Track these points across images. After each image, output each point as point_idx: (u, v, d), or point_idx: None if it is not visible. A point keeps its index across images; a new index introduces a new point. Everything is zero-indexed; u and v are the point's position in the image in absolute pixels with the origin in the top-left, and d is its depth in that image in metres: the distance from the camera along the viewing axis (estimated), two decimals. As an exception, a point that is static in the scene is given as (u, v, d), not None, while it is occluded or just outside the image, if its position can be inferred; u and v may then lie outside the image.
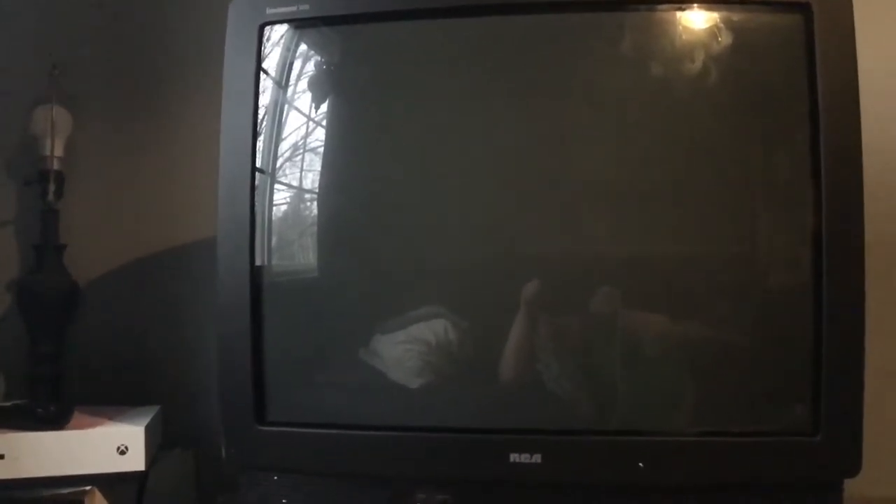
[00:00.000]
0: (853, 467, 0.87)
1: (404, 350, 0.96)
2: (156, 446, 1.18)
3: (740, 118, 0.93)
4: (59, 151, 1.26)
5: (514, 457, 0.90)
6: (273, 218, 0.98)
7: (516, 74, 0.97)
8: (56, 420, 1.12)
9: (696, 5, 0.91)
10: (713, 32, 0.91)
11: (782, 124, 0.92)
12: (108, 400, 1.24)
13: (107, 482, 1.09)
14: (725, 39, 0.90)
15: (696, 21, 0.91)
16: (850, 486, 0.89)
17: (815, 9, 0.88)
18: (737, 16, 0.90)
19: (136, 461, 1.10)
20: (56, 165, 1.25)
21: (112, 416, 1.16)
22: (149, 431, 1.13)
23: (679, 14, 0.91)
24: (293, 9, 0.95)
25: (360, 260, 0.99)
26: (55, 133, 1.25)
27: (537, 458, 0.90)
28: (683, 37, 0.92)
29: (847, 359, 0.87)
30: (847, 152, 0.87)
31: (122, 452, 1.10)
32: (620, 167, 0.95)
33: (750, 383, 0.92)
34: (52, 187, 1.24)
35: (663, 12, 0.92)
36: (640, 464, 0.89)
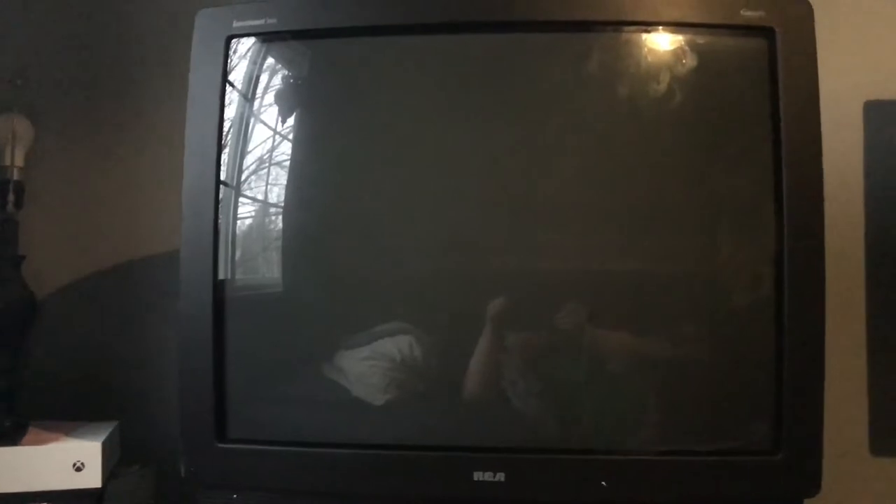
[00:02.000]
0: (813, 486, 0.88)
1: (368, 366, 0.95)
2: (113, 462, 1.16)
3: (704, 138, 0.94)
4: (19, 161, 1.23)
5: (477, 475, 0.90)
6: (237, 231, 0.97)
7: (484, 92, 0.97)
8: (10, 435, 1.09)
9: (661, 28, 0.92)
10: (678, 55, 0.92)
11: (745, 145, 0.93)
12: (65, 415, 1.22)
13: (62, 500, 1.06)
14: (690, 62, 0.91)
15: (662, 43, 0.93)
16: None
17: (778, 32, 0.90)
18: (701, 38, 0.92)
19: (92, 478, 1.08)
20: (16, 175, 1.23)
21: (68, 432, 1.14)
22: (106, 447, 1.10)
23: (645, 36, 0.93)
24: (260, 22, 0.95)
25: (325, 275, 0.99)
26: (16, 142, 1.23)
27: (501, 476, 0.90)
28: (649, 58, 0.93)
29: (807, 378, 0.88)
30: (808, 172, 0.89)
31: (79, 469, 1.07)
32: (586, 185, 0.95)
33: (712, 402, 0.92)
34: (11, 197, 1.22)
35: (629, 34, 0.93)
36: (603, 482, 0.89)
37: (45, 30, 1.35)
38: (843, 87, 1.20)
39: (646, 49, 0.93)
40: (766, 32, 0.90)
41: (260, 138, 0.98)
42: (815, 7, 0.90)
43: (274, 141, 0.98)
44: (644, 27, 0.92)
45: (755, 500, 0.90)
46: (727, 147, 0.94)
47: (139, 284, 1.33)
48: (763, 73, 0.90)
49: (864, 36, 1.24)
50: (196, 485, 0.95)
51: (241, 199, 0.97)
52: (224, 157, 0.95)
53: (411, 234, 0.97)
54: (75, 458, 1.07)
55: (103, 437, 1.12)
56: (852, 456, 1.21)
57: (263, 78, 0.97)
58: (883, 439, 1.22)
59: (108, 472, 1.11)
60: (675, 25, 0.92)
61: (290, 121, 0.98)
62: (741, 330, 0.92)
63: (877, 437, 1.22)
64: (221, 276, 0.94)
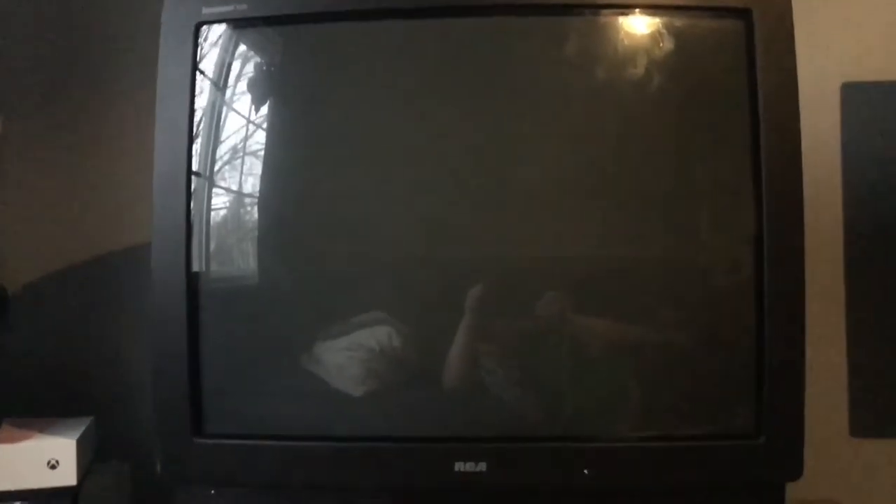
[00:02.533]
0: (795, 469, 0.88)
1: (347, 357, 0.95)
2: (89, 459, 1.14)
3: (683, 122, 0.94)
4: (-14, 154, 1.21)
5: (459, 465, 0.89)
6: (211, 222, 0.95)
7: (460, 77, 0.96)
8: (-18, 434, 1.08)
9: (638, 10, 0.91)
10: (655, 37, 0.91)
11: (723, 127, 0.93)
12: (40, 411, 1.20)
13: (37, 498, 1.05)
14: (668, 44, 0.91)
15: (639, 26, 0.92)
16: (792, 489, 0.90)
17: (756, 14, 0.89)
18: (679, 21, 0.91)
19: (67, 476, 1.06)
20: (-16, 168, 1.21)
21: (42, 429, 1.12)
22: (81, 444, 1.08)
23: (622, 19, 0.92)
24: (230, 8, 0.93)
25: (302, 265, 0.97)
26: (-17, 134, 1.21)
27: (482, 465, 0.89)
28: (626, 42, 0.92)
29: (788, 362, 0.88)
30: (786, 154, 0.89)
31: (53, 467, 1.05)
32: (563, 172, 0.94)
33: (693, 387, 0.92)
34: (-21, 190, 1.20)
35: (606, 17, 0.92)
36: (585, 470, 0.88)
37: (12, 20, 1.32)
38: (821, 68, 1.20)
39: (622, 32, 0.92)
40: (743, 14, 0.90)
41: (233, 127, 0.96)
42: (792, -12, 0.90)
43: (247, 130, 0.96)
44: (621, 10, 0.91)
45: (738, 484, 0.91)
46: (705, 130, 0.93)
47: (114, 277, 1.31)
48: (741, 54, 0.90)
49: (842, 17, 1.24)
50: (173, 481, 0.94)
51: (215, 190, 0.95)
52: (196, 147, 0.93)
53: (388, 223, 0.96)
54: (49, 455, 1.06)
55: (78, 433, 1.10)
56: (833, 438, 1.22)
57: (235, 65, 0.96)
58: (862, 421, 1.23)
59: (84, 470, 1.10)
60: (652, 7, 0.91)
61: (263, 109, 0.97)
62: (722, 314, 0.92)
63: (856, 419, 1.23)
64: (195, 267, 0.93)
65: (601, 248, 0.93)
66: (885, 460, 1.22)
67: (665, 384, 0.93)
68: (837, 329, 1.23)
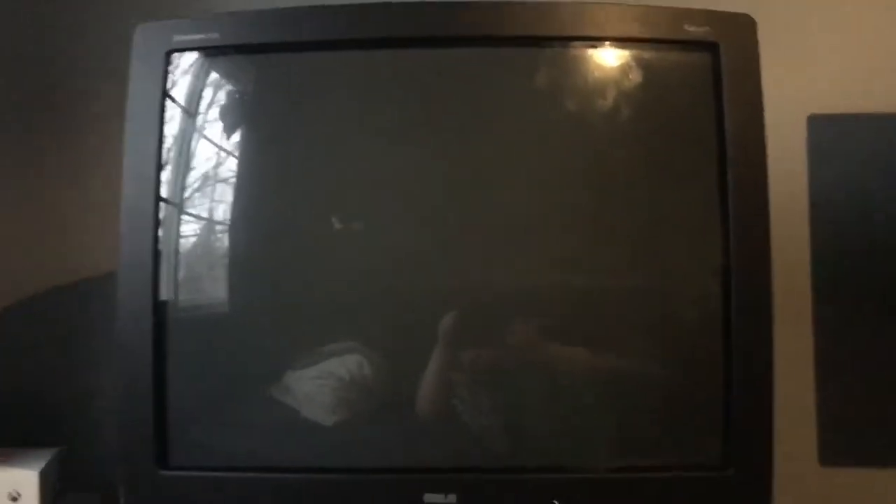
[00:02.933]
0: (764, 501, 0.88)
1: (317, 386, 0.94)
2: (53, 492, 1.12)
3: (650, 153, 0.94)
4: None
5: (428, 497, 0.88)
6: (179, 250, 0.94)
7: (430, 107, 0.96)
8: (-57, 465, 1.05)
9: (607, 43, 0.92)
10: (624, 70, 0.92)
11: (691, 158, 0.94)
12: (3, 441, 1.17)
13: (-3, 531, 1.03)
14: (636, 76, 0.92)
15: (608, 59, 0.93)
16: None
17: (722, 48, 0.91)
18: (647, 54, 0.92)
19: (29, 508, 1.04)
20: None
21: (5, 459, 1.09)
22: (44, 476, 1.07)
23: (591, 52, 0.93)
24: (202, 36, 0.93)
25: (272, 294, 0.97)
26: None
27: (452, 497, 0.88)
28: (595, 74, 0.93)
29: (757, 392, 0.89)
30: (753, 185, 0.90)
31: (14, 499, 1.04)
32: (533, 201, 0.95)
33: (662, 418, 0.92)
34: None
35: (575, 50, 0.93)
36: (555, 501, 0.88)
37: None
38: (787, 100, 1.21)
39: (591, 64, 0.93)
40: (710, 47, 0.91)
41: (202, 156, 0.95)
42: (758, 22, 0.91)
43: (217, 158, 0.96)
44: (590, 42, 0.92)
45: (707, 516, 0.90)
46: (673, 161, 0.94)
47: (81, 306, 1.29)
48: (708, 87, 0.91)
49: (807, 50, 1.26)
50: (138, 514, 0.92)
51: (183, 218, 0.95)
52: (164, 174, 0.93)
53: (360, 252, 0.96)
54: (11, 486, 1.04)
55: (42, 464, 1.08)
56: (802, 467, 1.22)
57: (205, 94, 0.95)
58: (831, 450, 1.23)
59: (48, 502, 1.07)
60: (621, 41, 0.92)
61: (234, 138, 0.96)
62: (689, 344, 0.92)
63: (825, 448, 1.23)
64: (162, 297, 0.92)
65: (571, 278, 0.93)
66: (856, 489, 1.22)
67: (634, 415, 0.92)
68: (806, 359, 1.24)
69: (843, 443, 1.23)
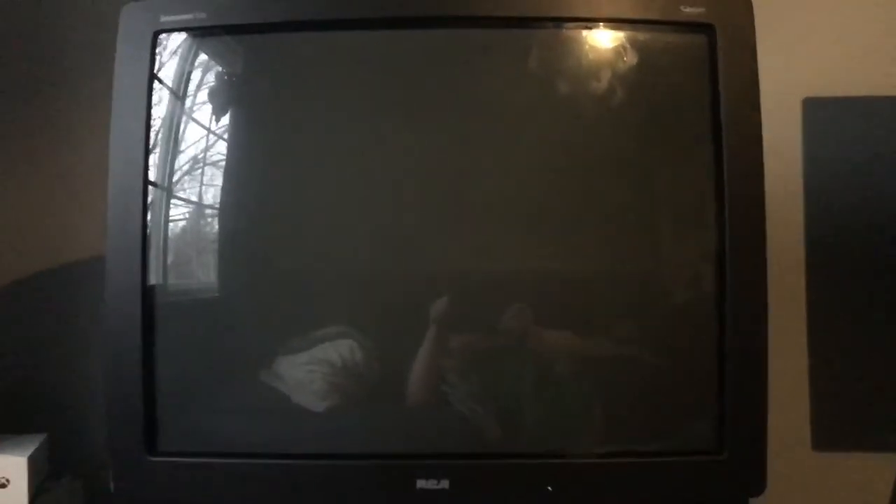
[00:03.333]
0: (758, 484, 0.88)
1: (308, 372, 0.93)
2: (41, 477, 1.11)
3: (646, 136, 0.93)
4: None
5: (421, 482, 0.88)
6: (168, 234, 0.93)
7: (421, 89, 0.95)
8: (-71, 452, 1.04)
9: (602, 25, 0.91)
10: (619, 51, 0.91)
11: (686, 141, 0.93)
12: (-10, 428, 1.17)
13: (-15, 518, 1.02)
14: (631, 58, 0.91)
15: (603, 40, 0.92)
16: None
17: (718, 30, 0.90)
18: (642, 35, 0.91)
19: (18, 495, 1.03)
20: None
21: (-8, 446, 1.09)
22: (32, 462, 1.06)
23: (585, 33, 0.92)
24: (189, 17, 0.92)
25: (262, 278, 0.96)
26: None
27: (445, 483, 0.88)
28: (590, 55, 0.92)
29: (750, 376, 0.88)
30: (749, 169, 0.89)
31: (3, 486, 1.03)
32: (528, 185, 0.94)
33: (656, 402, 0.92)
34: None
35: (569, 31, 0.92)
36: (549, 487, 0.88)
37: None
38: (783, 83, 1.21)
39: (586, 46, 0.92)
40: (706, 29, 0.90)
41: (191, 138, 0.94)
42: (754, 4, 0.90)
43: (206, 141, 0.95)
44: (584, 24, 0.91)
45: (701, 500, 0.90)
46: (668, 144, 0.93)
47: (68, 291, 1.28)
48: (703, 69, 0.90)
49: (803, 33, 1.25)
50: (127, 499, 0.92)
51: (172, 201, 0.93)
52: (153, 157, 0.91)
53: (351, 235, 0.95)
54: (0, 473, 1.03)
55: (30, 450, 1.07)
56: (795, 452, 1.22)
57: (194, 75, 0.94)
58: (825, 434, 1.23)
59: (36, 488, 1.07)
60: (616, 22, 0.91)
61: (222, 119, 0.95)
62: (684, 329, 0.92)
63: (819, 433, 1.23)
64: (151, 281, 0.91)
65: (565, 261, 0.92)
66: (849, 474, 1.22)
67: (628, 399, 0.92)
68: (799, 343, 1.24)
69: (837, 427, 1.23)
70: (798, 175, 1.24)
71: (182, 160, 0.94)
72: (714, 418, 0.88)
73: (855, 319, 1.23)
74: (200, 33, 0.93)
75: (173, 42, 0.93)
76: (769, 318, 0.89)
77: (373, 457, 0.91)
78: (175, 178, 0.94)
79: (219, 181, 0.94)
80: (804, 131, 1.25)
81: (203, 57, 0.95)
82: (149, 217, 0.91)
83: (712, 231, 0.89)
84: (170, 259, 0.94)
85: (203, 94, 0.94)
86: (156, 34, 0.92)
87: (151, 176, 0.91)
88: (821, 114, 1.24)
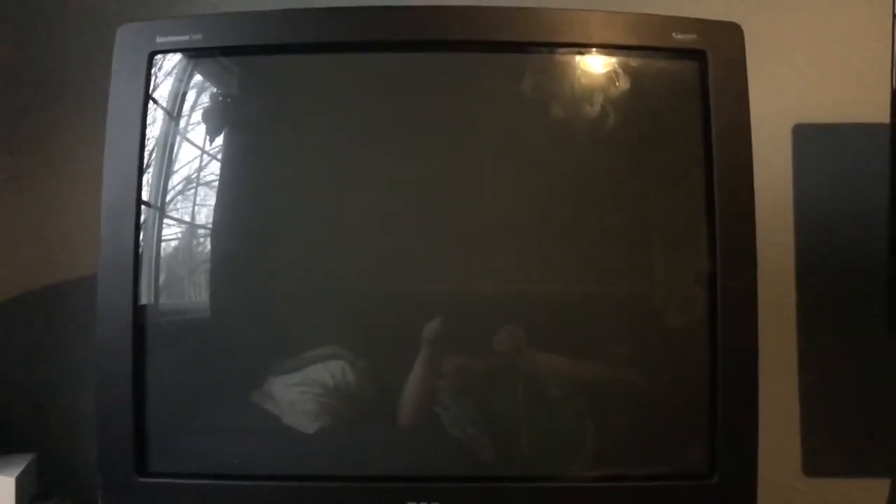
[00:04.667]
0: (749, 509, 0.88)
1: (299, 392, 0.93)
2: (29, 497, 1.10)
3: (637, 160, 0.94)
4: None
5: (411, 505, 0.88)
6: (160, 254, 0.93)
7: (416, 112, 0.96)
8: (-85, 471, 1.04)
9: (595, 50, 0.92)
10: (611, 77, 0.92)
11: (678, 166, 0.94)
12: (-22, 448, 1.16)
13: (-29, 538, 1.01)
14: (623, 84, 0.92)
15: (595, 65, 0.93)
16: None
17: (710, 56, 0.91)
18: (634, 61, 0.92)
19: (5, 515, 1.03)
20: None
21: (-20, 466, 1.08)
22: (20, 482, 1.05)
23: (578, 58, 0.92)
24: (185, 38, 0.92)
25: (254, 298, 0.96)
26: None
27: (435, 505, 0.88)
28: (582, 80, 0.93)
29: (741, 401, 0.88)
30: (739, 194, 0.90)
31: (-10, 506, 1.02)
32: (520, 207, 0.94)
33: (647, 426, 0.92)
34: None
35: (563, 56, 0.93)
36: (540, 510, 0.87)
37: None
38: (773, 110, 1.22)
39: (579, 71, 0.93)
40: (697, 55, 0.91)
41: (184, 158, 0.94)
42: (745, 31, 0.91)
43: (200, 161, 0.95)
44: (577, 49, 0.92)
45: (691, 525, 0.90)
46: (660, 168, 0.94)
47: (58, 310, 1.28)
48: (695, 95, 0.91)
49: (794, 60, 1.26)
50: (116, 521, 0.91)
51: (165, 221, 0.93)
52: (146, 176, 0.92)
53: (343, 256, 0.95)
54: (-13, 493, 1.02)
55: (17, 470, 1.07)
56: (785, 477, 1.22)
57: (189, 95, 0.94)
58: (815, 459, 1.23)
59: (24, 508, 1.06)
60: (609, 48, 0.92)
61: (217, 140, 0.95)
62: (675, 352, 0.92)
63: (809, 458, 1.23)
64: (143, 300, 0.90)
65: (557, 283, 0.93)
66: (839, 499, 1.22)
67: (619, 423, 0.92)
68: (789, 368, 1.24)
69: (827, 453, 1.23)
70: (788, 200, 1.25)
71: (175, 180, 0.94)
72: (705, 442, 0.88)
73: (845, 343, 1.24)
74: (196, 54, 0.93)
75: (169, 63, 0.93)
76: (760, 342, 0.89)
77: (364, 479, 0.90)
78: (168, 197, 0.94)
79: (212, 201, 0.95)
80: (794, 157, 1.26)
81: (198, 78, 0.95)
82: (141, 236, 0.91)
83: (703, 254, 0.90)
84: (162, 278, 0.93)
85: (198, 115, 0.94)
86: (151, 55, 0.92)
87: (145, 195, 0.91)
88: (811, 140, 1.25)
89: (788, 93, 1.25)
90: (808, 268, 1.25)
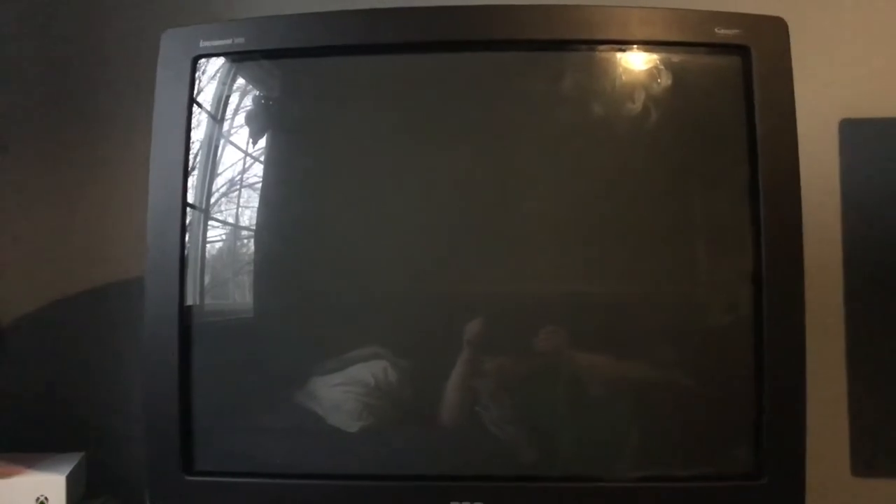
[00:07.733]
0: (797, 510, 0.87)
1: (342, 392, 0.93)
2: (79, 496, 1.12)
3: (681, 158, 0.93)
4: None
5: (454, 504, 0.88)
6: (205, 256, 0.94)
7: (459, 111, 0.96)
8: (-29, 469, 1.06)
9: (636, 47, 0.91)
10: (654, 74, 0.91)
11: (722, 163, 0.93)
12: (29, 447, 1.18)
13: (24, 535, 1.03)
14: (666, 80, 0.91)
15: (637, 62, 0.92)
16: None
17: (754, 52, 0.89)
18: (677, 57, 0.91)
19: (55, 513, 1.04)
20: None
21: (31, 464, 1.10)
22: (71, 480, 1.07)
23: (620, 55, 0.92)
24: (228, 42, 0.93)
25: (297, 300, 0.96)
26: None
27: (478, 505, 0.87)
28: (624, 77, 0.92)
29: (789, 400, 0.87)
30: (786, 192, 0.88)
31: (42, 503, 1.04)
32: (563, 207, 0.94)
33: (693, 426, 0.91)
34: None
35: (605, 53, 0.92)
36: (584, 510, 0.87)
37: (7, 57, 1.32)
38: (819, 105, 1.20)
39: (621, 68, 0.92)
40: (741, 51, 0.90)
41: (229, 161, 0.95)
42: (790, 26, 0.90)
43: (244, 164, 0.96)
44: (619, 46, 0.91)
45: (738, 526, 0.89)
46: (704, 166, 0.93)
47: (107, 312, 1.30)
48: (739, 91, 0.90)
49: (840, 54, 1.24)
50: (163, 519, 0.92)
51: (210, 223, 0.95)
52: (191, 180, 0.93)
53: (385, 257, 0.95)
54: (39, 491, 1.04)
55: (68, 469, 1.08)
56: (834, 477, 1.20)
57: (232, 99, 0.95)
58: (863, 460, 1.21)
59: (74, 506, 1.08)
60: (651, 44, 0.91)
61: (260, 143, 0.96)
62: (721, 352, 0.91)
63: (857, 458, 1.21)
64: (189, 301, 0.92)
65: (600, 285, 0.92)
66: (888, 500, 1.20)
67: (664, 423, 0.91)
68: (838, 367, 1.22)
69: (876, 453, 1.21)
70: (836, 197, 1.23)
71: (219, 182, 0.95)
72: (753, 443, 0.87)
73: (894, 341, 1.21)
74: (239, 58, 0.94)
75: (212, 66, 0.94)
76: (807, 340, 0.88)
77: (407, 478, 0.90)
78: (213, 200, 0.95)
79: (255, 203, 0.95)
80: (841, 153, 1.23)
81: (241, 81, 0.96)
82: (187, 238, 0.92)
83: (749, 253, 0.89)
84: (207, 280, 0.95)
85: (241, 118, 0.95)
86: (195, 59, 0.93)
87: (190, 198, 0.93)
88: (858, 135, 1.23)
89: (834, 87, 1.23)
90: (856, 265, 1.22)
